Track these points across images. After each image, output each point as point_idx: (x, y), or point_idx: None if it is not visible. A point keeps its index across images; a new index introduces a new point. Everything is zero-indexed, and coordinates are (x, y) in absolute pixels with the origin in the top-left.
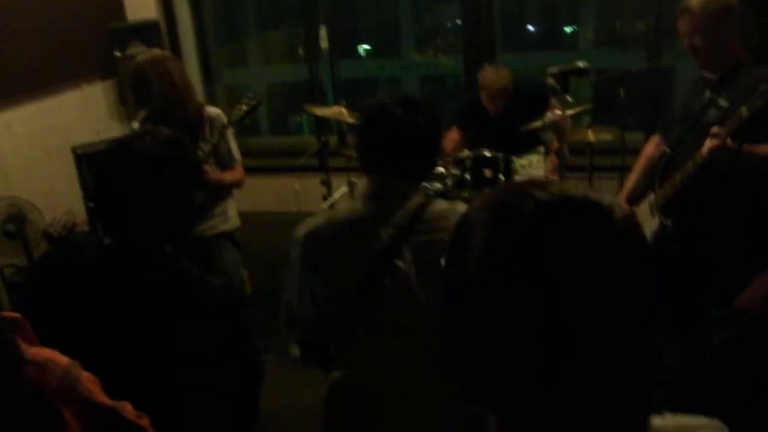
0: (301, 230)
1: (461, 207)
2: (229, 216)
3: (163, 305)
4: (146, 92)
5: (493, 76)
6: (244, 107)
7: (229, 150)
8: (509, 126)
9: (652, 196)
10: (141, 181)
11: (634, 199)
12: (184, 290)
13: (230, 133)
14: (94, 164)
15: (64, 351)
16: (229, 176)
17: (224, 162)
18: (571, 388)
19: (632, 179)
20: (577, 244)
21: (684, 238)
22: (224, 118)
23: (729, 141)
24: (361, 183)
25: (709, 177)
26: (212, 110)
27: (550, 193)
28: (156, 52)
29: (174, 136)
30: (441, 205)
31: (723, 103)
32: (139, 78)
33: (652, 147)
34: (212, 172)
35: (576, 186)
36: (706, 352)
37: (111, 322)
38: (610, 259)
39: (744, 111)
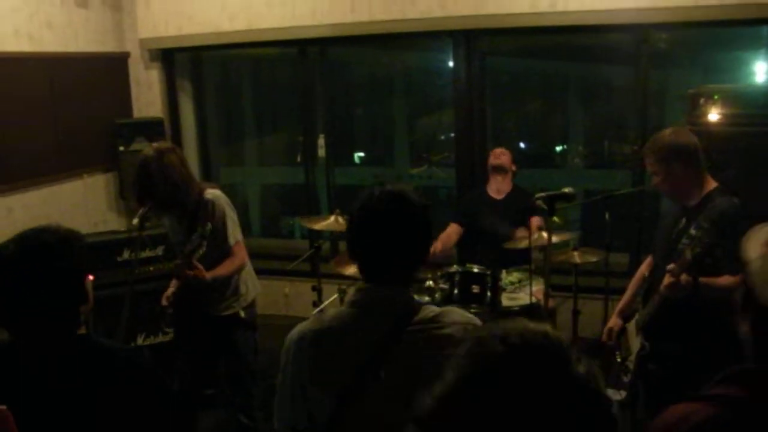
0: (291, 335)
1: (455, 313)
2: (241, 294)
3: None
4: (148, 186)
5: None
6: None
7: (224, 234)
8: (510, 209)
9: (637, 316)
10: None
11: (627, 315)
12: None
13: (227, 216)
14: None
15: None
16: (222, 270)
17: (220, 246)
18: None
19: (626, 295)
20: (534, 390)
21: (659, 361)
22: (221, 202)
23: (684, 277)
24: (350, 290)
25: (674, 307)
26: (209, 193)
27: (522, 339)
28: (158, 145)
29: (46, 245)
30: (430, 308)
31: (693, 232)
32: (143, 172)
33: (645, 266)
34: (203, 272)
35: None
36: None
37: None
38: (562, 408)
39: (688, 254)
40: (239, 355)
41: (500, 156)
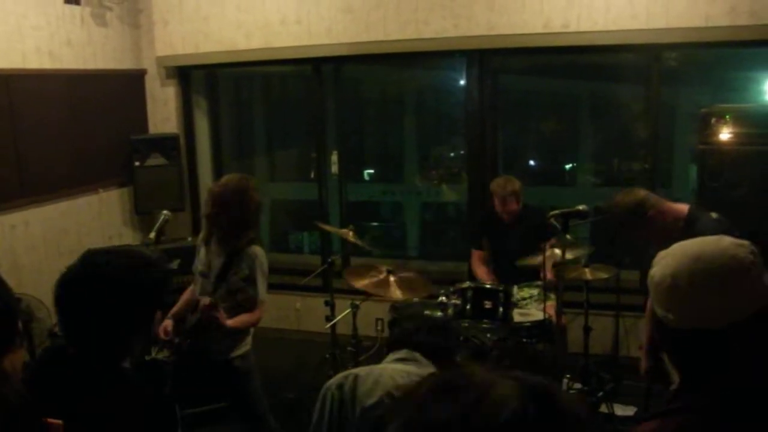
0: (333, 379)
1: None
2: (245, 340)
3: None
4: (220, 215)
5: (502, 182)
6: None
7: (256, 288)
8: (523, 231)
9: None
10: (96, 301)
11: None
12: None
13: (263, 273)
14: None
15: None
16: (239, 320)
17: (247, 299)
18: None
19: (647, 332)
20: None
21: None
22: (263, 259)
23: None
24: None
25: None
26: (254, 250)
27: None
28: (239, 180)
29: (138, 259)
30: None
31: None
32: (218, 202)
33: None
34: (224, 318)
35: None
36: None
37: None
38: None
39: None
40: (248, 402)
41: (507, 200)
